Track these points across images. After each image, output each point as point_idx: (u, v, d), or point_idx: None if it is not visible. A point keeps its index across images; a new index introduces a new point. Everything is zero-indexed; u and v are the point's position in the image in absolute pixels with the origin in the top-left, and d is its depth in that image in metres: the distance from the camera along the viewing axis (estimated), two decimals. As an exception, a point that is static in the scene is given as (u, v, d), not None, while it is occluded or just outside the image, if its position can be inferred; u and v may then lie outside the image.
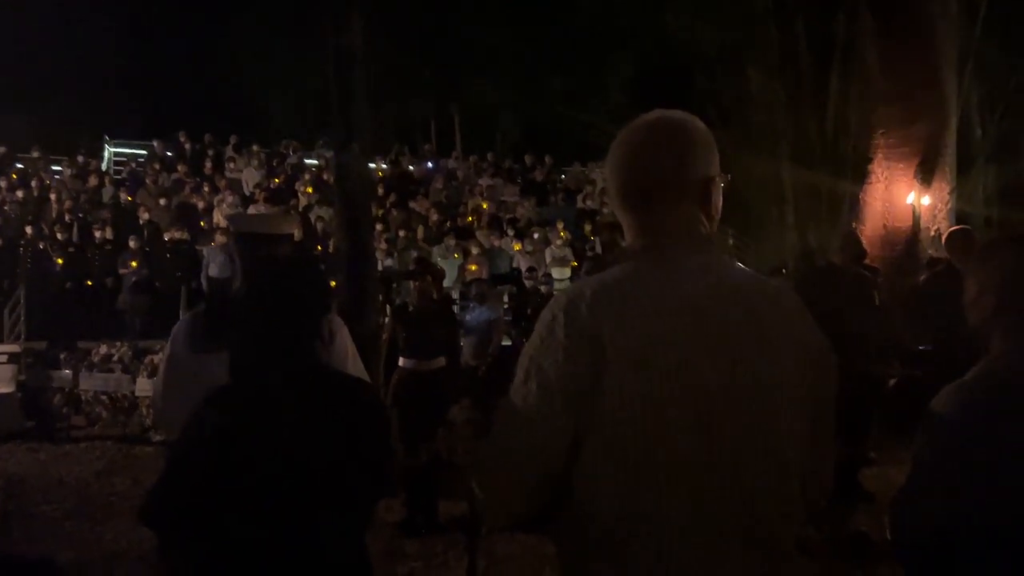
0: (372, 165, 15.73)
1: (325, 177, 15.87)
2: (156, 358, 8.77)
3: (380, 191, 15.47)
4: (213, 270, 12.00)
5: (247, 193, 15.34)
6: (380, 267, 10.97)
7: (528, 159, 18.67)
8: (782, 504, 1.34)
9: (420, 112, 25.94)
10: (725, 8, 14.11)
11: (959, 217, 9.18)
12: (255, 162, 16.63)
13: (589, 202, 16.58)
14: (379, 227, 13.13)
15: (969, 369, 1.79)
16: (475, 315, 7.85)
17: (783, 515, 1.34)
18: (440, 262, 11.64)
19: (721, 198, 1.47)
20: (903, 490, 1.75)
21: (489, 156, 19.14)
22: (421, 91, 24.47)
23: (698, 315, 1.31)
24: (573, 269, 13.08)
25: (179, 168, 16.01)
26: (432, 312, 5.81)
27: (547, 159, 18.46)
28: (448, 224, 14.64)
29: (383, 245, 12.63)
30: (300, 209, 14.73)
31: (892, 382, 6.26)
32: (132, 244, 12.45)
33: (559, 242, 13.67)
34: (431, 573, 4.68)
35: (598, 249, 12.61)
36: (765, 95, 13.98)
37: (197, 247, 12.90)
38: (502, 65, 23.08)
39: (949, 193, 9.07)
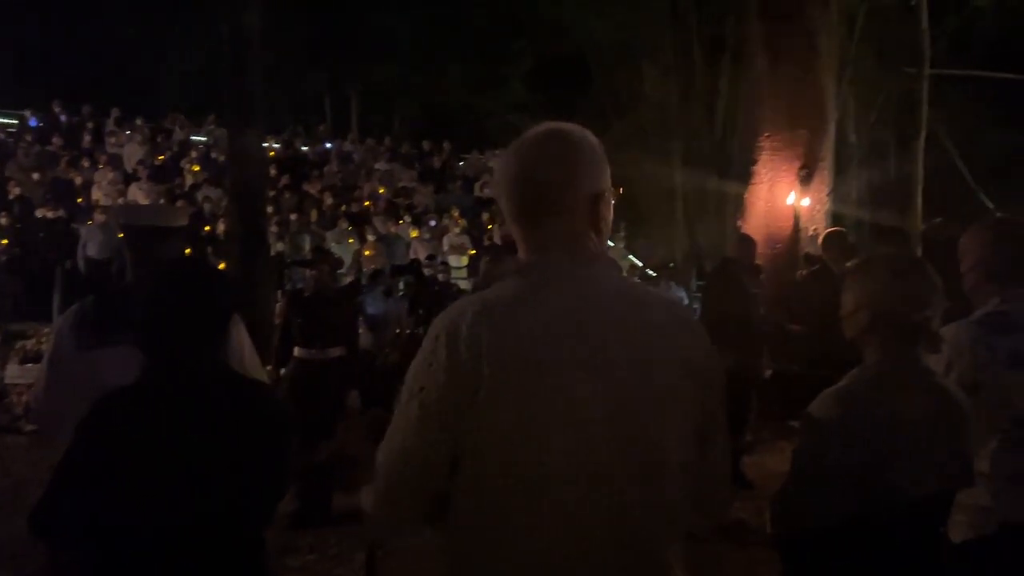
0: (264, 145, 15.29)
1: (213, 155, 15.30)
2: (29, 344, 8.28)
3: (272, 172, 15.04)
4: (91, 250, 11.42)
5: (129, 170, 14.61)
6: (271, 252, 10.70)
7: (426, 145, 18.55)
8: (661, 519, 1.38)
9: (315, 91, 25.32)
10: (621, 6, 14.40)
11: (834, 218, 9.71)
12: (138, 137, 15.83)
13: (487, 190, 16.65)
14: (270, 209, 12.77)
15: (842, 364, 1.94)
16: (376, 305, 7.80)
17: (663, 530, 1.38)
18: (334, 247, 11.47)
19: (611, 212, 1.49)
20: (783, 488, 1.90)
21: (386, 140, 18.89)
22: (317, 70, 23.87)
23: (579, 334, 1.33)
24: (471, 257, 13.14)
25: (54, 141, 15.07)
26: (329, 300, 5.73)
27: (445, 145, 18.39)
28: (343, 208, 14.40)
29: (274, 228, 12.31)
30: (186, 188, 14.18)
31: (768, 374, 6.62)
32: (2, 221, 11.67)
33: (457, 230, 13.68)
34: (325, 566, 4.64)
35: (496, 239, 12.70)
36: (658, 93, 14.37)
37: (74, 225, 12.20)
38: (401, 48, 22.77)
39: (826, 195, 9.58)
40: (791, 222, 9.22)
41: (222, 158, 12.63)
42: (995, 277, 2.33)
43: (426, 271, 10.61)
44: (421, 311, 8.71)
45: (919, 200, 12.13)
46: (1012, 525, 2.16)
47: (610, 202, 1.47)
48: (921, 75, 12.08)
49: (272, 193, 14.04)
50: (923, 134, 12.33)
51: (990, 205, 12.69)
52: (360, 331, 7.71)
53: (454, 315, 1.36)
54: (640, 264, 13.20)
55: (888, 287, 1.88)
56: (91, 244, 11.43)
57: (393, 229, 13.59)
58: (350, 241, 12.73)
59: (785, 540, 1.89)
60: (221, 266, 8.49)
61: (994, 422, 2.16)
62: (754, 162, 9.62)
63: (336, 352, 5.62)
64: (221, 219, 11.65)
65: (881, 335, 1.87)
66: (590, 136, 1.47)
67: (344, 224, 13.13)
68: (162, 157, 15.55)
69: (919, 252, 10.22)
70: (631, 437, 1.33)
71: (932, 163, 12.86)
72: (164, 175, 14.44)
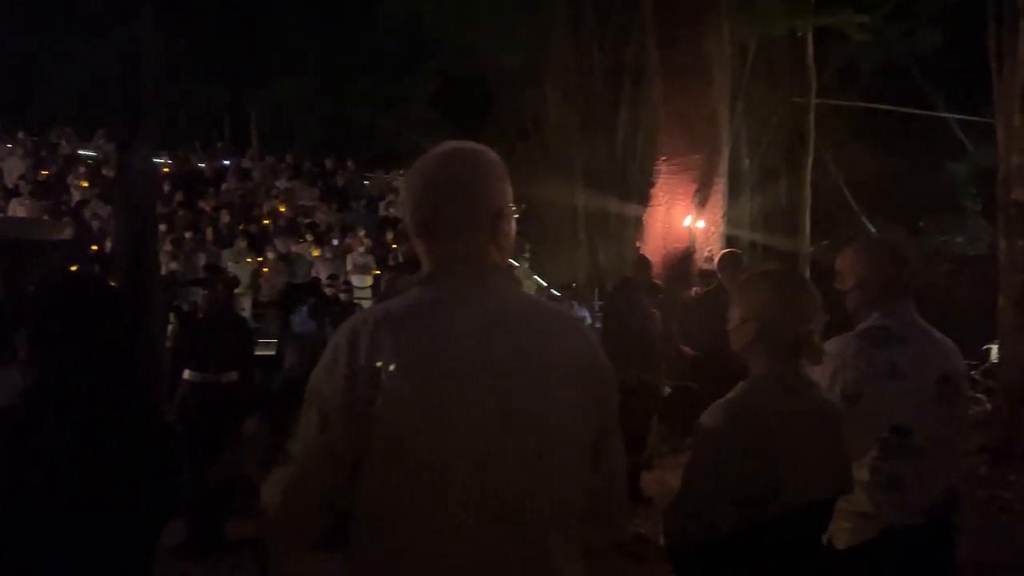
0: (158, 160, 14.76)
1: (104, 172, 14.66)
2: None
3: (166, 188, 14.54)
4: (-35, 269, 10.72)
5: (10, 185, 13.80)
6: (164, 270, 10.31)
7: (329, 163, 18.29)
8: (559, 529, 1.40)
9: (214, 107, 24.61)
10: (525, 30, 14.64)
11: (728, 240, 10.07)
12: (20, 151, 15.01)
13: (392, 210, 16.51)
14: (163, 227, 12.33)
15: (735, 380, 2.00)
16: (301, 323, 7.64)
17: (560, 539, 1.40)
18: (231, 267, 11.14)
19: (513, 228, 1.52)
20: (675, 498, 1.93)
21: (288, 157, 18.53)
22: (216, 85, 23.22)
23: (479, 343, 1.36)
24: (375, 277, 12.98)
25: (-76, 153, 14.14)
26: (223, 321, 5.54)
27: (349, 164, 18.18)
28: (241, 227, 14.01)
29: (168, 247, 11.88)
30: (73, 204, 13.52)
31: (667, 391, 6.77)
32: None
33: (361, 249, 13.50)
34: (217, 597, 4.46)
35: (401, 259, 12.60)
36: (561, 116, 14.63)
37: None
38: (306, 65, 22.42)
39: (721, 218, 9.93)
40: (687, 243, 9.50)
41: (113, 174, 12.08)
42: (876, 293, 2.44)
43: (328, 291, 10.42)
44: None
45: (807, 223, 12.77)
46: (892, 529, 2.26)
47: (511, 218, 1.51)
48: (808, 105, 12.77)
49: (166, 211, 13.57)
50: (810, 161, 13.02)
51: (872, 228, 13.42)
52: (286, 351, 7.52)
53: (356, 323, 1.39)
54: (545, 284, 13.35)
55: (770, 301, 1.95)
56: (-35, 263, 10.73)
57: (294, 248, 13.31)
58: (248, 260, 12.40)
59: (678, 551, 1.91)
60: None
61: (874, 431, 2.26)
62: (652, 185, 9.90)
63: (230, 376, 5.42)
64: (111, 237, 11.14)
65: (765, 347, 1.94)
66: (491, 154, 1.51)
67: (242, 243, 12.77)
68: (46, 172, 14.78)
69: (807, 272, 10.70)
70: (529, 445, 1.36)
71: (820, 188, 13.57)
72: (48, 191, 13.72)
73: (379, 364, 1.32)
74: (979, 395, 9.14)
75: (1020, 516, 5.43)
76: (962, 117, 15.15)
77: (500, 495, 1.33)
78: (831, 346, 2.31)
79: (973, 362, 10.06)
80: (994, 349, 8.72)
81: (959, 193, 16.58)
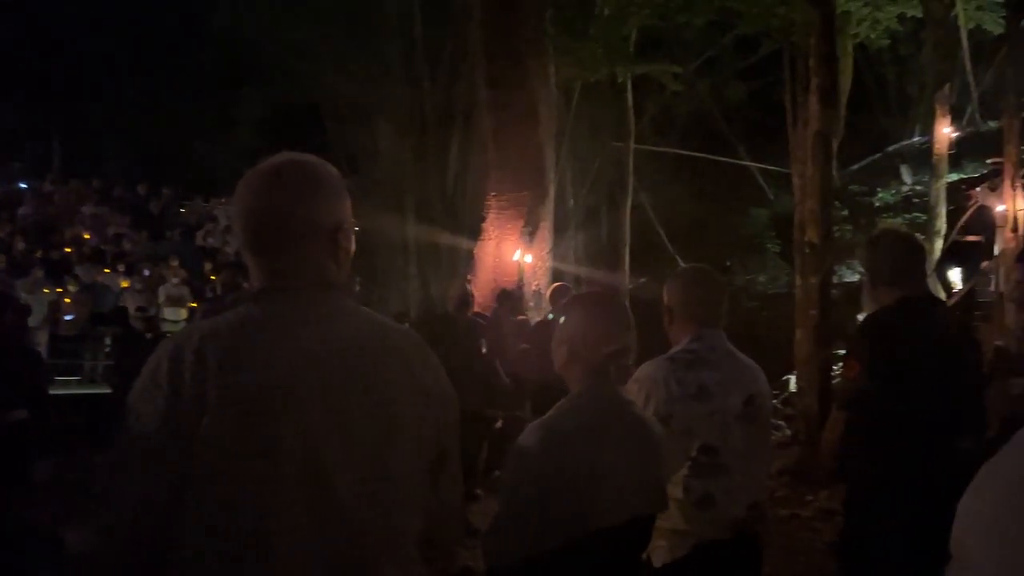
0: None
1: None
2: None
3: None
4: None
5: None
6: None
7: (142, 189, 17.22)
8: (394, 554, 1.34)
9: (10, 127, 22.58)
10: (358, 61, 14.53)
11: (555, 274, 10.38)
12: None
13: (211, 239, 15.75)
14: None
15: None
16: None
17: (394, 565, 1.34)
18: (26, 297, 10.19)
19: (352, 244, 1.46)
20: (493, 520, 1.91)
21: (95, 182, 17.29)
22: (13, 103, 21.32)
23: (311, 362, 1.29)
24: (191, 310, 12.28)
25: None
26: (10, 354, 5.03)
27: (164, 191, 17.20)
28: (38, 254, 12.88)
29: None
30: None
31: (499, 423, 6.81)
32: None
33: (175, 280, 12.73)
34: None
35: (219, 290, 11.99)
36: (393, 150, 14.59)
37: None
38: (116, 85, 21.06)
39: (547, 253, 10.24)
40: (516, 277, 9.70)
41: None
42: (686, 319, 2.56)
43: (135, 324, 9.75)
44: (127, 369, 7.93)
45: (627, 260, 13.40)
46: (703, 545, 2.34)
47: (351, 234, 1.44)
48: (628, 149, 13.47)
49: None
50: (629, 202, 13.71)
51: (683, 266, 14.20)
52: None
53: (179, 340, 1.29)
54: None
55: (579, 322, 2.02)
56: None
57: (99, 278, 12.38)
58: (45, 291, 11.39)
59: (498, 574, 1.89)
60: None
61: (684, 450, 2.35)
62: (483, 219, 10.06)
63: (17, 415, 4.91)
64: None
65: (577, 367, 1.99)
66: (329, 167, 1.44)
67: (39, 272, 11.73)
68: None
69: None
70: (367, 469, 1.30)
71: (638, 228, 14.29)
72: None
73: (205, 383, 1.21)
74: (780, 422, 9.86)
75: (817, 532, 5.85)
76: (763, 166, 16.49)
77: (338, 523, 1.26)
78: (644, 370, 2.40)
79: (774, 391, 10.85)
80: (792, 379, 9.43)
81: (761, 236, 17.95)
